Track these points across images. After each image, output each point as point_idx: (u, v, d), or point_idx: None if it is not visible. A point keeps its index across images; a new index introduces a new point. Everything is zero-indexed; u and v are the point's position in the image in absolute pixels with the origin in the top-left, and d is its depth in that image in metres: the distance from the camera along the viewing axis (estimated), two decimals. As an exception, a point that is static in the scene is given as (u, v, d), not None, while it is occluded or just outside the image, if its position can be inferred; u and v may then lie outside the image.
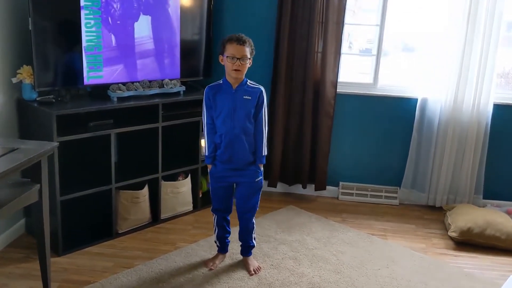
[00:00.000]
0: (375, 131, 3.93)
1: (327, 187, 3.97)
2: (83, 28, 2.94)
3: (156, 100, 3.20)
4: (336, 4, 3.61)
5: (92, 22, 2.98)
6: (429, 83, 3.73)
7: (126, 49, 3.19)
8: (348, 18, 3.75)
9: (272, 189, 3.97)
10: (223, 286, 2.66)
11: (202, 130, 2.76)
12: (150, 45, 3.32)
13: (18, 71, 2.83)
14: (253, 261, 2.87)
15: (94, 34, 3.00)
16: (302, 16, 3.63)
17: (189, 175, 3.55)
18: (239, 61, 2.50)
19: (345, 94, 3.85)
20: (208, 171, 2.76)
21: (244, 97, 2.59)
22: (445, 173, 3.79)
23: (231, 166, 2.66)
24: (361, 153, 3.98)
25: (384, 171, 3.99)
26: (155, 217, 3.36)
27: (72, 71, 2.98)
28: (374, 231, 3.45)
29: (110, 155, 2.99)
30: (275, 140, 3.78)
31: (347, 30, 3.88)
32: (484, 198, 3.85)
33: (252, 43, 2.56)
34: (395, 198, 3.97)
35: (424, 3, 3.69)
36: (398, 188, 3.97)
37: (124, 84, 3.18)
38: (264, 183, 2.81)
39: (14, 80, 2.84)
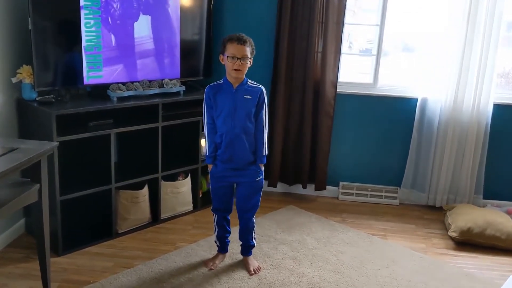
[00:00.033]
0: (375, 131, 3.93)
1: (327, 187, 3.97)
2: (83, 28, 2.94)
3: (156, 100, 3.20)
4: (336, 4, 3.61)
5: (92, 22, 2.97)
6: (429, 83, 3.73)
7: (126, 49, 3.19)
8: (348, 18, 3.76)
9: (272, 189, 3.97)
10: (223, 286, 2.66)
11: (203, 130, 2.76)
12: (150, 45, 3.32)
13: (17, 71, 2.83)
14: (253, 261, 2.86)
15: (94, 34, 3.00)
16: (302, 16, 3.62)
17: (189, 175, 3.55)
18: (240, 60, 2.50)
19: (345, 94, 3.85)
20: (209, 171, 2.76)
21: (244, 96, 2.59)
22: (445, 173, 3.79)
23: (232, 166, 2.66)
24: (361, 153, 3.98)
25: (384, 171, 3.99)
26: (155, 217, 3.36)
27: (72, 71, 2.98)
28: (374, 231, 3.44)
29: (110, 155, 2.99)
30: (275, 140, 3.77)
31: (347, 30, 3.88)
32: (484, 198, 3.85)
33: (252, 43, 2.55)
34: (395, 198, 3.97)
35: (424, 3, 3.69)
36: (398, 188, 3.97)
37: (124, 84, 3.18)
38: (264, 183, 2.81)
39: (14, 80, 2.84)
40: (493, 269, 3.03)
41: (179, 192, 3.46)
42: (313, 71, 3.70)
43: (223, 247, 2.89)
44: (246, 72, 2.57)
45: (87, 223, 3.18)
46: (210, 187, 2.79)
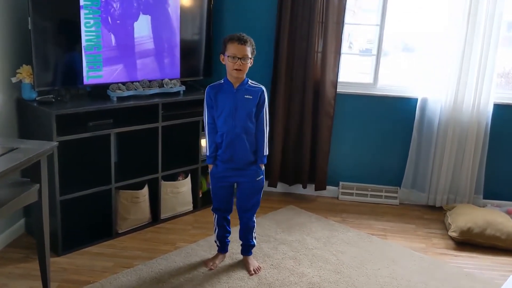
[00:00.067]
0: (375, 131, 3.93)
1: (327, 187, 3.96)
2: (83, 28, 2.94)
3: (156, 100, 3.20)
4: (336, 4, 3.61)
5: (92, 21, 2.97)
6: (429, 83, 3.73)
7: (125, 49, 3.18)
8: (348, 18, 3.75)
9: (272, 189, 3.97)
10: (223, 286, 2.66)
11: (203, 130, 2.75)
12: (150, 44, 3.32)
13: (17, 71, 2.83)
14: (253, 261, 2.86)
15: (94, 33, 2.99)
16: (302, 16, 3.62)
17: (189, 175, 3.54)
18: (240, 60, 2.50)
19: (345, 94, 3.85)
20: (209, 171, 2.76)
21: (245, 96, 2.59)
22: (445, 173, 3.78)
23: (232, 166, 2.66)
24: (361, 153, 3.98)
25: (384, 171, 3.99)
26: (155, 217, 3.35)
27: (71, 71, 2.98)
28: (374, 231, 3.44)
29: (109, 155, 2.99)
30: (275, 140, 3.77)
31: (347, 30, 3.88)
32: (484, 198, 3.85)
33: (253, 43, 2.55)
34: (395, 198, 3.97)
35: (424, 3, 3.69)
36: (398, 188, 3.97)
37: (123, 83, 3.17)
38: (264, 183, 2.81)
39: (14, 80, 2.84)
40: (493, 269, 3.03)
41: (179, 192, 3.46)
42: (313, 71, 3.70)
43: (223, 247, 2.89)
44: (246, 72, 2.57)
45: (87, 223, 3.18)
46: (210, 187, 2.79)
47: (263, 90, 2.64)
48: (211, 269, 2.81)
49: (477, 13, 3.51)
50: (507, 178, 3.86)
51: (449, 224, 3.44)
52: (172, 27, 3.43)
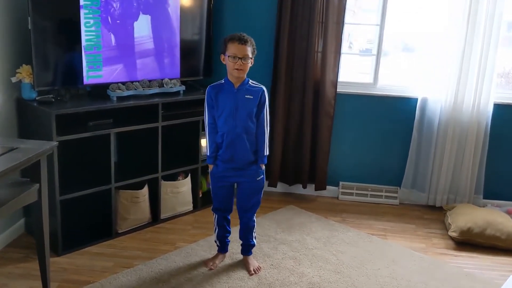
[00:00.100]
0: (375, 131, 3.93)
1: (327, 187, 3.96)
2: (83, 28, 2.94)
3: (156, 100, 3.20)
4: (336, 4, 3.61)
5: (92, 21, 2.97)
6: (429, 83, 3.73)
7: (125, 49, 3.18)
8: (348, 18, 3.75)
9: (272, 189, 3.96)
10: (223, 286, 2.65)
11: (203, 130, 2.75)
12: (149, 44, 3.32)
13: (17, 71, 2.83)
14: (253, 261, 2.86)
15: (94, 33, 2.99)
16: (302, 16, 3.62)
17: (189, 175, 3.54)
18: (241, 60, 2.50)
19: (345, 94, 3.85)
20: (209, 171, 2.76)
21: (246, 96, 2.59)
22: (445, 173, 3.78)
23: (233, 166, 2.66)
24: (361, 153, 3.98)
25: (384, 171, 3.98)
26: (155, 217, 3.35)
27: (71, 71, 2.98)
28: (374, 231, 3.44)
29: (109, 155, 2.99)
30: (275, 140, 3.77)
31: (347, 30, 3.88)
32: (484, 198, 3.84)
33: (253, 42, 2.55)
34: (395, 198, 3.97)
35: (424, 3, 3.69)
36: (398, 188, 3.97)
37: (123, 83, 3.17)
38: (264, 183, 2.81)
39: (14, 80, 2.83)
40: (493, 269, 3.03)
41: (179, 192, 3.46)
42: (313, 71, 3.70)
43: (223, 247, 2.89)
44: (247, 71, 2.57)
45: (87, 223, 3.18)
46: (211, 187, 2.79)
47: (263, 90, 2.64)
48: (211, 269, 2.81)
49: (477, 13, 3.51)
50: (507, 178, 3.86)
51: (449, 224, 3.44)
52: (172, 27, 3.43)
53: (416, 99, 3.79)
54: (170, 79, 3.40)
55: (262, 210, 3.37)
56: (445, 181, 3.80)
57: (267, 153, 2.71)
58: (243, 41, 2.50)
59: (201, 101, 2.76)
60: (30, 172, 2.30)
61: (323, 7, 3.61)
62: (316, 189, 3.94)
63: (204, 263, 2.86)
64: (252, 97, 2.60)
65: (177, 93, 3.41)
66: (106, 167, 3.01)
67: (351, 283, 2.74)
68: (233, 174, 2.68)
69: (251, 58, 2.54)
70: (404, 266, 2.96)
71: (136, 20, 3.20)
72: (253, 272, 2.78)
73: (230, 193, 2.76)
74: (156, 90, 3.29)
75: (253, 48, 2.55)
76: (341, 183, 4.03)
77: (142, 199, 3.22)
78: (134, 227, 3.23)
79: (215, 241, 2.88)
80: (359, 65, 4.28)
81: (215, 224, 2.83)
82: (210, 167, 2.73)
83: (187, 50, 3.57)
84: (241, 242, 2.87)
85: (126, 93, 3.14)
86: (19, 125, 2.97)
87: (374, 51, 3.87)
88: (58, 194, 2.79)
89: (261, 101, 2.62)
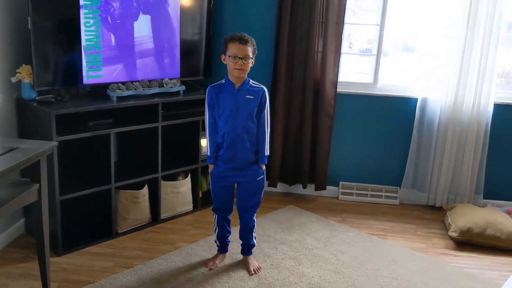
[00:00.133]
0: (375, 131, 3.93)
1: (327, 187, 3.96)
2: (83, 28, 2.94)
3: (156, 100, 3.19)
4: (336, 4, 3.61)
5: (92, 21, 2.97)
6: (429, 83, 3.73)
7: (125, 49, 3.18)
8: (348, 18, 3.75)
9: (272, 189, 3.96)
10: (223, 286, 2.65)
11: (203, 130, 2.75)
12: (149, 44, 3.31)
13: (17, 71, 2.83)
14: (253, 261, 2.86)
15: (94, 33, 2.99)
16: (302, 16, 3.62)
17: (189, 174, 3.54)
18: (242, 60, 2.50)
19: (345, 94, 3.85)
20: (209, 171, 2.75)
21: (246, 96, 2.59)
22: (445, 173, 3.78)
23: (233, 166, 2.65)
24: (361, 153, 3.98)
25: (384, 171, 3.98)
26: (155, 217, 3.35)
27: (71, 71, 2.98)
28: (374, 231, 3.44)
29: (109, 155, 2.99)
30: (275, 140, 3.77)
31: (347, 30, 3.88)
32: (485, 198, 3.84)
33: (254, 42, 2.55)
34: (395, 198, 3.97)
35: (424, 3, 3.69)
36: (398, 188, 3.97)
37: (123, 83, 3.17)
38: (265, 183, 2.81)
39: (13, 80, 2.83)
40: (493, 269, 3.03)
41: (179, 192, 3.46)
42: (313, 71, 3.70)
43: (223, 247, 2.89)
44: (248, 71, 2.57)
45: (87, 223, 3.18)
46: (211, 187, 2.78)
47: (264, 90, 2.64)
48: (211, 269, 2.80)
49: (477, 13, 3.51)
50: (507, 178, 3.86)
51: (449, 224, 3.44)
52: (172, 27, 3.43)
53: (416, 99, 3.79)
54: (170, 79, 3.40)
55: (262, 210, 3.37)
56: (445, 181, 3.80)
57: (268, 153, 2.71)
58: (243, 41, 2.50)
59: (201, 101, 2.76)
60: (30, 172, 2.30)
61: (323, 7, 3.61)
62: (316, 189, 3.94)
63: (204, 263, 2.86)
64: (252, 97, 2.59)
65: (177, 93, 3.40)
66: (106, 167, 3.01)
67: (351, 283, 2.74)
68: (234, 174, 2.68)
69: (252, 58, 2.54)
70: (404, 266, 2.96)
71: (136, 20, 3.20)
72: (253, 272, 2.78)
73: (230, 193, 2.76)
74: (156, 90, 3.29)
75: (254, 48, 2.55)
76: (341, 183, 4.03)
77: (142, 199, 3.22)
78: (134, 227, 3.23)
79: (215, 241, 2.88)
80: (359, 65, 4.28)
81: (215, 224, 2.83)
82: (211, 167, 2.73)
83: (187, 50, 3.57)
84: (241, 242, 2.87)
85: (126, 93, 3.14)
86: (19, 125, 2.97)
87: (374, 51, 3.87)
88: (58, 194, 2.79)
89: (261, 101, 2.62)
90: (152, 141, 3.23)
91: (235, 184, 2.79)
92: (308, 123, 3.79)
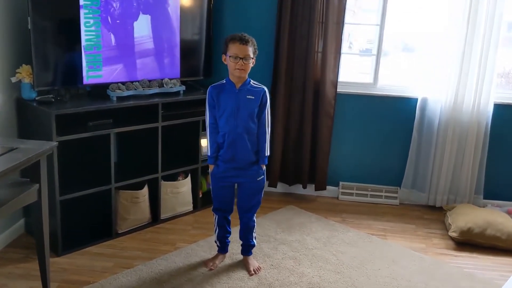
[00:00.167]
0: (375, 131, 3.93)
1: (327, 187, 3.96)
2: (83, 28, 2.94)
3: (156, 100, 3.19)
4: (336, 4, 3.61)
5: (92, 21, 2.97)
6: (429, 83, 3.73)
7: (125, 49, 3.18)
8: (348, 18, 3.75)
9: (272, 189, 3.96)
10: (223, 286, 2.65)
11: (203, 130, 2.75)
12: (149, 44, 3.31)
13: (17, 71, 2.82)
14: (253, 261, 2.86)
15: (94, 33, 2.99)
16: (302, 16, 3.62)
17: (189, 175, 3.54)
18: (242, 60, 2.50)
19: (345, 94, 3.84)
20: (210, 171, 2.75)
21: (247, 96, 2.59)
22: (445, 173, 3.78)
23: (234, 166, 2.65)
24: (361, 153, 3.98)
25: (384, 171, 3.98)
26: (155, 217, 3.35)
27: (71, 71, 2.97)
28: (374, 231, 3.44)
29: (109, 155, 2.99)
30: (275, 140, 3.77)
31: (347, 30, 3.88)
32: (485, 198, 3.84)
33: (255, 42, 2.55)
34: (395, 198, 3.97)
35: (424, 3, 3.69)
36: (398, 188, 3.97)
37: (123, 83, 3.17)
38: (265, 183, 2.81)
39: (13, 80, 2.83)
40: (493, 269, 3.03)
41: (179, 192, 3.46)
42: (313, 71, 3.70)
43: (223, 247, 2.88)
44: (249, 71, 2.57)
45: (87, 223, 3.18)
46: (211, 187, 2.78)
47: (265, 91, 2.64)
48: (211, 269, 2.80)
49: (477, 13, 3.51)
50: (507, 178, 3.86)
51: (449, 224, 3.44)
52: (172, 27, 3.43)
53: (416, 99, 3.79)
54: (170, 79, 3.40)
55: (262, 210, 3.36)
56: (445, 181, 3.80)
57: (268, 154, 2.71)
58: (244, 41, 2.50)
59: (201, 101, 2.76)
60: (30, 172, 2.29)
61: (323, 7, 3.61)
62: (316, 189, 3.94)
63: (204, 263, 2.86)
64: (253, 97, 2.59)
65: (177, 93, 3.40)
66: (106, 167, 3.01)
67: (351, 283, 2.74)
68: (234, 174, 2.68)
69: (252, 58, 2.54)
70: (404, 266, 2.96)
71: (136, 20, 3.20)
72: (253, 272, 2.78)
73: (230, 194, 2.76)
74: (156, 90, 3.29)
75: (255, 48, 2.55)
76: (341, 183, 4.02)
77: (142, 199, 3.22)
78: (134, 227, 3.23)
79: (215, 242, 2.88)
80: (359, 65, 4.28)
81: (215, 224, 2.82)
82: (211, 167, 2.73)
83: (187, 50, 3.57)
84: (241, 242, 2.87)
85: (126, 93, 3.14)
86: (19, 125, 2.97)
87: (374, 51, 3.87)
88: (58, 194, 2.79)
89: (262, 102, 2.62)
90: (152, 141, 3.23)
91: (236, 185, 2.78)
92: (308, 123, 3.79)
